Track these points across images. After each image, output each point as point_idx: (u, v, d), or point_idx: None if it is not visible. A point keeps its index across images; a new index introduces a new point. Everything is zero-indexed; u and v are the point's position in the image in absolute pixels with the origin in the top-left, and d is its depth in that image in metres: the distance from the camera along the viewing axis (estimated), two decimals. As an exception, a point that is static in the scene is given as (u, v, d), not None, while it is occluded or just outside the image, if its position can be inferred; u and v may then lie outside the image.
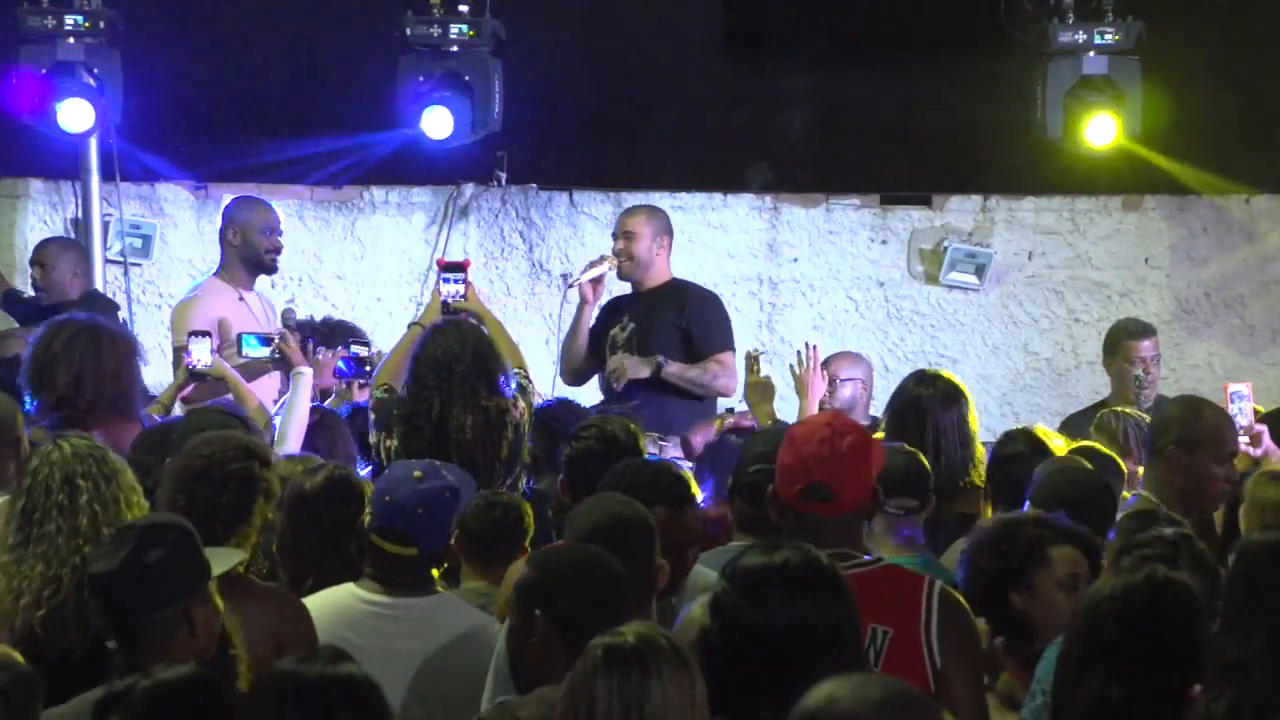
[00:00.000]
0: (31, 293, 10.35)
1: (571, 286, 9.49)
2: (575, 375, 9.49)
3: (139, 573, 4.59)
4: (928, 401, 7.17)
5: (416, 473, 5.66)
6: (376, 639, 5.38)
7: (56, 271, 9.93)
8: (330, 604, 5.55)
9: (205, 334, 8.16)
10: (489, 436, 6.99)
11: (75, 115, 10.15)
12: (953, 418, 7.15)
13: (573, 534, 5.02)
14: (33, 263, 10.16)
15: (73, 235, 11.01)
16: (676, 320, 9.36)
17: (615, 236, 9.54)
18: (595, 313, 9.49)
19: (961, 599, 5.02)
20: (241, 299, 9.18)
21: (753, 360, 7.98)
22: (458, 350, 7.05)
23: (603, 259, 9.45)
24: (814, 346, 8.49)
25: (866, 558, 4.98)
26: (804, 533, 4.88)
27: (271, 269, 9.39)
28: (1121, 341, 9.55)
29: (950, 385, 7.34)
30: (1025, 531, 5.28)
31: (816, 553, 4.29)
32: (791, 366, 8.45)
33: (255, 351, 8.38)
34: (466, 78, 10.13)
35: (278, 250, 9.31)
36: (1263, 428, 7.90)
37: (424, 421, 7.00)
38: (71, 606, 5.05)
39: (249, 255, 9.22)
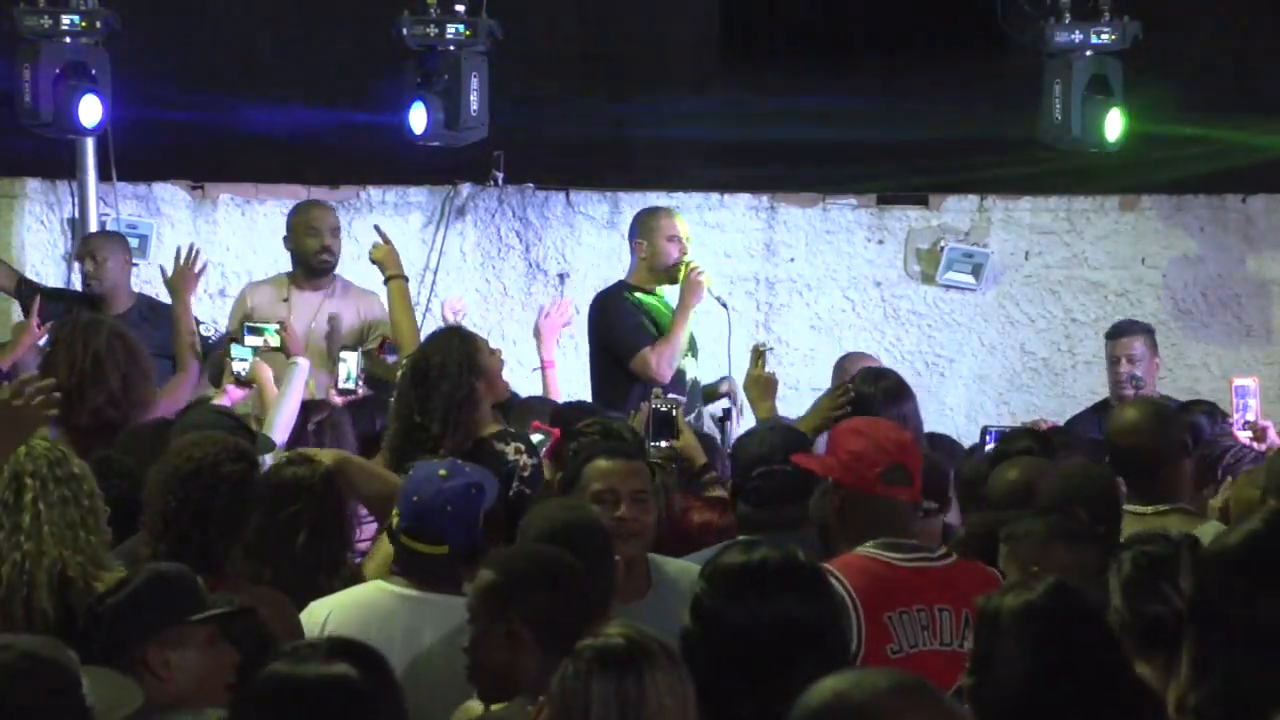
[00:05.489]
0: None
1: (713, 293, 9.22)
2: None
3: (97, 616, 4.59)
4: (873, 400, 7.09)
5: (441, 471, 5.66)
6: (408, 628, 5.43)
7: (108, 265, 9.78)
8: (357, 600, 5.56)
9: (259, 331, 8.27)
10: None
11: (90, 111, 10.05)
12: (902, 414, 7.00)
13: (527, 539, 5.08)
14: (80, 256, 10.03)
15: (69, 235, 10.99)
16: None
17: (680, 240, 9.32)
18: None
19: None
20: (287, 299, 9.31)
21: (758, 354, 7.84)
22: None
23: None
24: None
25: (941, 551, 5.09)
26: (883, 520, 4.99)
27: (317, 269, 9.46)
28: (1106, 341, 9.71)
29: (896, 381, 7.30)
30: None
31: (795, 549, 4.29)
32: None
33: (252, 339, 8.39)
34: (445, 76, 10.13)
35: (324, 250, 9.44)
36: (1268, 423, 7.90)
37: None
38: (19, 602, 5.01)
39: (295, 255, 9.50)
